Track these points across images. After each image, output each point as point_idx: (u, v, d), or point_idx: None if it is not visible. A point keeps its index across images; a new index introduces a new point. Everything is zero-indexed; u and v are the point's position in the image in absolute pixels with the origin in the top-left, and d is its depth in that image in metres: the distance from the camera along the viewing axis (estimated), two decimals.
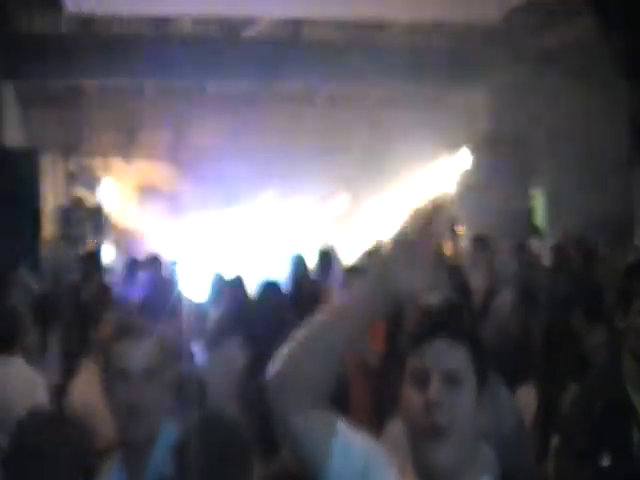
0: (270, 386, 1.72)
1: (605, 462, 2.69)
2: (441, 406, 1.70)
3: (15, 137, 12.01)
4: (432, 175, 14.31)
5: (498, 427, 3.32)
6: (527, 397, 4.05)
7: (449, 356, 1.75)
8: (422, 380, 1.74)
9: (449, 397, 1.72)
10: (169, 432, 2.49)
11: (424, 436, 1.71)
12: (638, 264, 3.52)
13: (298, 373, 1.70)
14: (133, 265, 8.69)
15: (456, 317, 1.82)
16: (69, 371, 5.15)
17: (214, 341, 5.50)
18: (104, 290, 7.24)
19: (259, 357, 4.70)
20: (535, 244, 10.09)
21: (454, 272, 5.22)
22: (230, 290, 6.50)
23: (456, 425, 1.71)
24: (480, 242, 9.25)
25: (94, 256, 8.94)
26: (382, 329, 4.39)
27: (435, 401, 1.70)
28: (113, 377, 2.42)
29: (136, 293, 7.31)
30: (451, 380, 1.73)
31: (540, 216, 12.26)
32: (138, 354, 2.43)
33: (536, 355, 4.46)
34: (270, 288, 5.42)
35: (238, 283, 6.90)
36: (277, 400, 1.72)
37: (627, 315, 2.78)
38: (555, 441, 3.33)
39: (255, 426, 4.41)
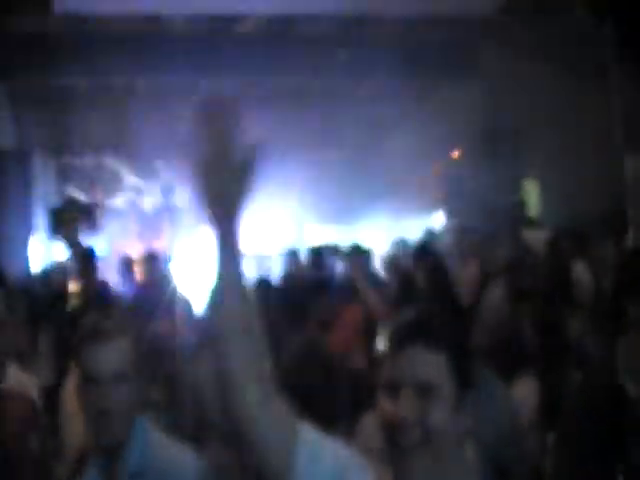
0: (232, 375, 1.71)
1: (604, 455, 2.69)
2: (411, 421, 1.67)
3: (5, 138, 11.97)
4: (425, 169, 14.30)
5: (494, 424, 3.31)
6: (526, 389, 4.05)
7: (421, 367, 1.71)
8: (394, 391, 1.71)
9: (421, 410, 1.68)
10: (142, 431, 2.48)
11: (397, 446, 1.69)
12: (634, 255, 3.53)
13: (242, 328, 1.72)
14: (126, 263, 8.68)
15: (431, 326, 1.74)
16: (61, 372, 5.13)
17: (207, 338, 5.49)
18: (92, 290, 7.27)
19: None
20: (528, 235, 10.09)
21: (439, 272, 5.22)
22: None
23: (430, 437, 1.67)
24: (468, 233, 9.29)
25: (88, 256, 8.90)
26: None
27: (404, 417, 1.67)
28: (84, 381, 2.40)
29: (129, 291, 7.33)
30: (424, 391, 1.69)
31: (533, 207, 12.27)
32: (106, 358, 2.40)
33: (530, 348, 4.46)
34: (260, 286, 5.44)
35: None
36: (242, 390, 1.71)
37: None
38: (554, 434, 3.32)
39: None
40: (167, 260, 9.03)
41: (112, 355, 2.41)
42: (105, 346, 2.41)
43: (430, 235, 11.15)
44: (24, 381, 4.39)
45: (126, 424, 2.43)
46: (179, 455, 2.52)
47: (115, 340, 2.43)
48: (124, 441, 2.42)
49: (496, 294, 5.68)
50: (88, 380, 2.39)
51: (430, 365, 1.70)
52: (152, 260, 8.40)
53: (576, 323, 4.13)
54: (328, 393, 4.07)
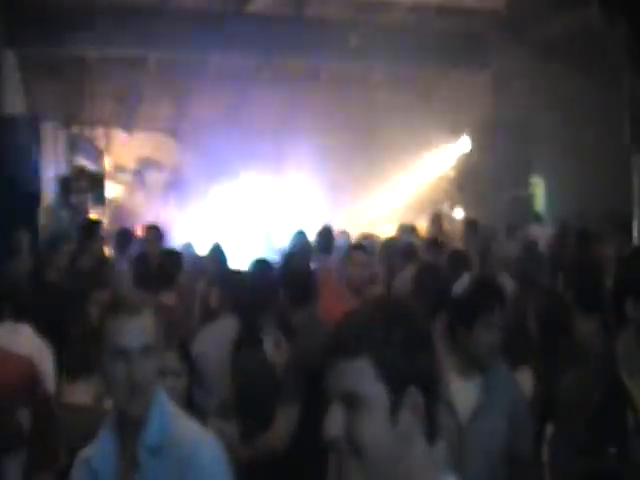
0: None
1: (601, 448, 2.73)
2: (341, 436, 1.55)
3: (16, 104, 11.97)
4: (432, 159, 14.33)
5: (506, 414, 3.38)
6: (523, 379, 4.10)
7: (348, 379, 1.55)
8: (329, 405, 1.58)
9: (351, 423, 1.55)
10: (162, 402, 2.54)
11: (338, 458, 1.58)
12: (635, 255, 3.56)
13: None
14: (125, 235, 8.69)
15: (359, 335, 1.58)
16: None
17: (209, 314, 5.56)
18: (101, 261, 7.30)
19: (248, 330, 4.76)
20: (534, 230, 10.14)
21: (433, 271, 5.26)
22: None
23: (363, 450, 1.54)
24: (471, 225, 9.32)
25: (94, 226, 8.94)
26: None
27: (331, 433, 1.55)
28: (110, 354, 2.43)
29: (128, 264, 7.35)
30: (353, 404, 1.55)
31: (540, 202, 12.29)
32: (136, 331, 2.45)
33: (533, 340, 4.51)
34: (259, 264, 5.48)
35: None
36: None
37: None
38: (551, 427, 3.38)
39: (244, 402, 4.48)
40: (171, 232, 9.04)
41: (141, 328, 2.46)
42: (134, 319, 2.45)
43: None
44: (39, 346, 4.40)
45: (152, 394, 2.50)
46: (196, 435, 2.56)
47: (142, 313, 2.48)
48: (148, 409, 2.47)
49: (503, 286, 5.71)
50: (116, 354, 2.42)
51: (360, 376, 1.55)
52: (156, 231, 8.44)
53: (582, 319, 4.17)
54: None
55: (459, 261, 6.26)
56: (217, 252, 7.53)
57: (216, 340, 5.01)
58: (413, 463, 1.58)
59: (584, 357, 3.68)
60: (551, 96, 11.48)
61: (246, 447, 4.17)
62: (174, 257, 6.60)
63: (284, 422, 4.18)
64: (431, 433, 1.61)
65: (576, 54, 11.10)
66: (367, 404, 1.55)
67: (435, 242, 7.95)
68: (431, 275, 5.05)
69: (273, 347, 4.67)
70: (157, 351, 2.50)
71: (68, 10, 11.64)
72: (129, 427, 2.48)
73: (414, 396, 1.57)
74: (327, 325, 4.74)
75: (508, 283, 5.69)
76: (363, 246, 6.74)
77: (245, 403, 4.47)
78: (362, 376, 1.55)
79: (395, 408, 1.55)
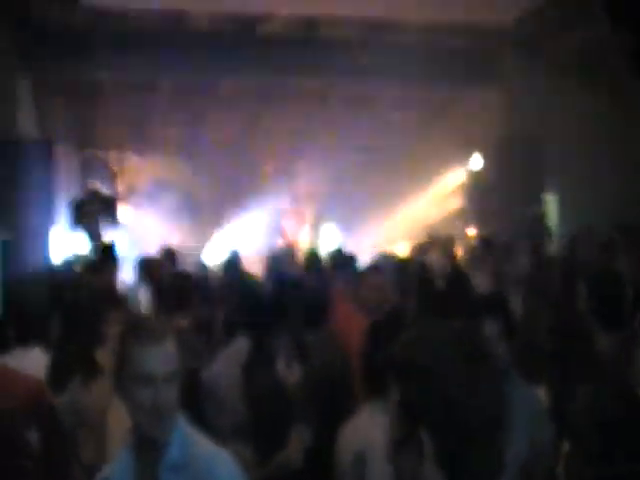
0: None
1: (617, 464, 2.70)
2: None
3: (30, 128, 12.07)
4: (445, 176, 14.33)
5: (526, 431, 3.33)
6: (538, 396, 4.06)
7: None
8: None
9: None
10: (182, 425, 2.56)
11: None
12: None
13: None
14: (144, 263, 8.67)
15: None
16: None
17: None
18: (115, 285, 7.31)
19: (260, 350, 4.74)
20: (548, 246, 10.10)
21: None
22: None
23: None
24: (485, 243, 9.28)
25: (109, 249, 8.96)
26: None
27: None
28: (135, 380, 2.45)
29: (149, 288, 7.34)
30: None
31: (553, 219, 12.24)
32: (161, 358, 2.47)
33: (547, 356, 4.47)
34: (272, 283, 5.49)
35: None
36: None
37: None
38: (567, 443, 3.34)
39: (257, 422, 4.47)
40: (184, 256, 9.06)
41: (166, 355, 2.48)
42: (159, 346, 2.47)
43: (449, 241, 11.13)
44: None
45: (174, 417, 2.52)
46: (214, 452, 2.59)
47: (166, 339, 2.50)
48: (170, 433, 2.49)
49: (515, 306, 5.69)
50: (140, 379, 2.44)
51: None
52: (169, 254, 8.45)
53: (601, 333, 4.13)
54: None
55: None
56: (230, 270, 7.53)
57: (229, 361, 5.00)
58: None
59: (601, 372, 3.65)
60: (565, 113, 11.46)
61: (261, 467, 4.15)
62: (188, 279, 6.59)
63: (299, 442, 4.17)
64: None
65: (590, 70, 11.10)
66: None
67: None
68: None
69: (285, 367, 4.66)
70: (179, 377, 2.51)
71: (81, 34, 11.75)
72: (149, 447, 2.51)
73: None
74: (340, 345, 4.73)
75: (517, 303, 5.66)
76: (378, 267, 6.71)
77: (258, 423, 4.45)
78: None
79: None
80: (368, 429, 3.21)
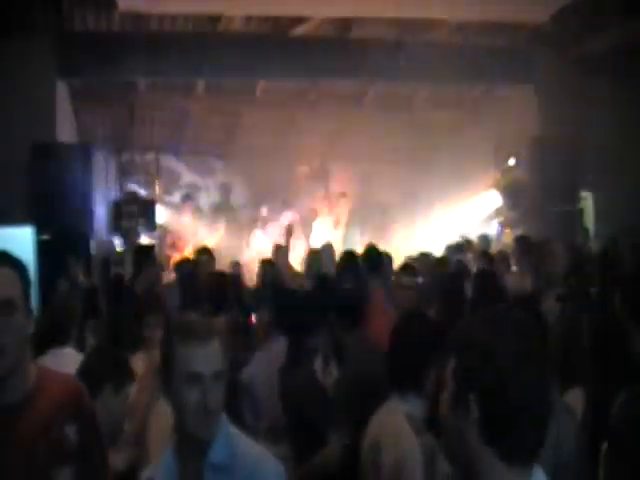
0: None
1: None
2: None
3: (68, 133, 12.23)
4: (480, 176, 14.25)
5: (558, 448, 3.32)
6: (574, 401, 4.04)
7: None
8: None
9: None
10: (226, 425, 2.60)
11: None
12: None
13: None
14: (182, 265, 8.71)
15: None
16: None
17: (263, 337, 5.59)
18: (156, 285, 7.39)
19: (298, 350, 4.78)
20: (584, 246, 10.03)
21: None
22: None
23: None
24: (523, 242, 9.21)
25: (147, 250, 9.06)
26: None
27: None
28: (183, 380, 2.49)
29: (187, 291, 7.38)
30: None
31: (589, 218, 12.16)
32: (209, 357, 2.51)
33: (585, 358, 4.45)
34: (312, 284, 5.51)
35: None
36: None
37: None
38: (605, 447, 3.33)
39: (295, 423, 4.50)
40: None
41: (213, 354, 2.52)
42: (207, 345, 2.51)
43: (485, 241, 11.13)
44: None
45: (220, 416, 2.56)
46: (259, 452, 2.63)
47: (214, 339, 2.54)
48: (215, 432, 2.54)
49: (552, 306, 5.66)
50: (188, 379, 2.47)
51: None
52: (206, 254, 8.48)
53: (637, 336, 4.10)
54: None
55: None
56: (268, 271, 7.56)
57: (266, 361, 5.05)
58: None
59: (638, 374, 3.63)
60: (599, 111, 11.39)
61: (299, 468, 4.19)
62: (224, 280, 6.65)
63: (337, 442, 4.20)
64: None
65: (622, 68, 11.01)
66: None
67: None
68: None
69: (323, 367, 4.69)
70: (225, 376, 2.55)
71: (117, 38, 11.90)
72: (193, 447, 2.54)
73: None
74: (377, 347, 4.75)
75: (552, 303, 5.64)
76: (412, 268, 6.72)
77: (295, 424, 4.49)
78: None
79: None
80: (385, 420, 3.27)
